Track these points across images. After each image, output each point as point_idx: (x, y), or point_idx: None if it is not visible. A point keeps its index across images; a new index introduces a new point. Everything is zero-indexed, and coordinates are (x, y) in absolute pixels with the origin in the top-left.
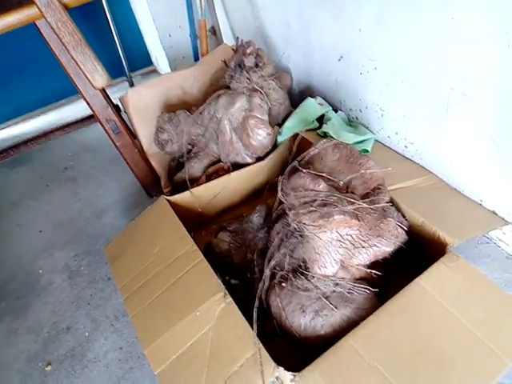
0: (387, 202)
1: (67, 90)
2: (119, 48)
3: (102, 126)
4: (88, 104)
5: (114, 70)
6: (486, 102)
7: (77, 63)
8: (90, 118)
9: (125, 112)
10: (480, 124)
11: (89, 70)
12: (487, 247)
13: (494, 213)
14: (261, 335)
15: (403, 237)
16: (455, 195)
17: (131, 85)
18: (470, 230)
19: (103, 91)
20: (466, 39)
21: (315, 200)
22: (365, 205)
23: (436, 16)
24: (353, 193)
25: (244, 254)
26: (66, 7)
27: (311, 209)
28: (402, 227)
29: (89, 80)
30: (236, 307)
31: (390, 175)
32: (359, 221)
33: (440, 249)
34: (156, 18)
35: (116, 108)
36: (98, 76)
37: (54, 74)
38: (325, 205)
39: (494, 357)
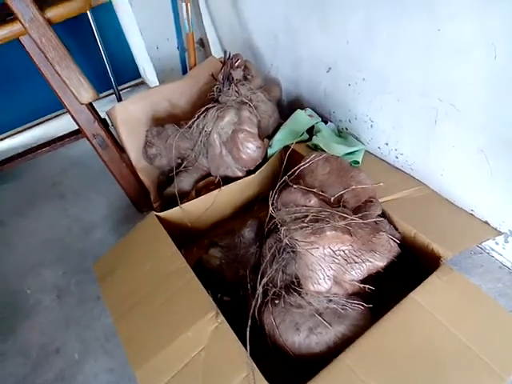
0: (379, 215)
1: (54, 105)
2: (106, 61)
3: (89, 141)
4: (74, 119)
5: (102, 84)
6: (474, 113)
7: (62, 78)
8: (78, 133)
9: (112, 126)
10: (469, 134)
11: (74, 85)
12: (480, 257)
13: (486, 223)
14: (254, 353)
15: (396, 250)
16: (447, 206)
17: (119, 98)
18: (463, 241)
19: (90, 105)
20: (453, 50)
21: (307, 216)
22: (357, 219)
23: (422, 27)
24: (344, 206)
25: (236, 270)
26: (50, 22)
27: (303, 225)
28: (394, 240)
29: (74, 95)
30: (228, 326)
31: (381, 186)
32: (351, 236)
33: (433, 261)
34: (143, 30)
35: (103, 122)
36: (84, 91)
37: (39, 89)
38: (316, 220)
39: (491, 372)
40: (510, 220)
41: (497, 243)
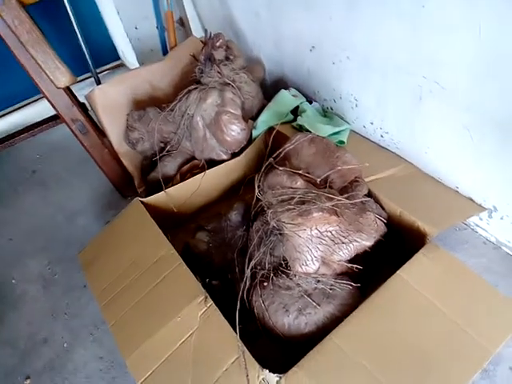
0: (366, 195)
1: (30, 90)
2: (82, 43)
3: (68, 126)
4: (51, 104)
5: (79, 67)
6: (459, 91)
7: (37, 62)
8: (57, 118)
9: (92, 110)
10: (453, 112)
11: (50, 69)
12: (465, 233)
13: (470, 199)
14: (244, 336)
15: (383, 229)
16: (432, 183)
17: (97, 81)
18: (448, 218)
19: (67, 90)
20: (438, 27)
21: (293, 197)
22: (343, 200)
23: (407, 2)
24: (331, 187)
25: (224, 254)
26: (22, 4)
27: (289, 207)
28: (381, 220)
29: (50, 79)
30: (217, 310)
31: (367, 166)
32: (338, 217)
33: (420, 238)
34: (120, 8)
35: (82, 107)
36: (60, 74)
37: (16, 73)
38: (303, 202)
39: (478, 345)
40: (494, 196)
41: (481, 219)
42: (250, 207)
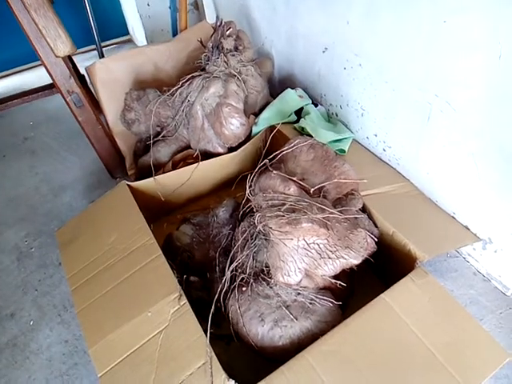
0: (360, 209)
1: (31, 55)
2: (90, 14)
3: (63, 97)
4: (49, 72)
5: (85, 37)
6: (470, 114)
7: (38, 28)
8: (54, 87)
9: (91, 84)
10: (461, 136)
11: (51, 36)
12: (456, 261)
13: (466, 227)
14: (216, 338)
15: (372, 248)
16: (429, 206)
17: (101, 54)
18: (440, 244)
19: (68, 59)
20: (457, 45)
21: (284, 204)
22: (336, 213)
23: (428, 16)
24: (325, 197)
25: (206, 251)
26: None
27: (279, 213)
28: (372, 237)
29: (50, 47)
30: (191, 310)
31: (364, 179)
32: (328, 230)
33: (409, 262)
34: None
35: (81, 79)
36: (61, 43)
37: (16, 36)
38: (293, 210)
39: (454, 382)
40: (491, 228)
41: (474, 249)
42: (239, 206)
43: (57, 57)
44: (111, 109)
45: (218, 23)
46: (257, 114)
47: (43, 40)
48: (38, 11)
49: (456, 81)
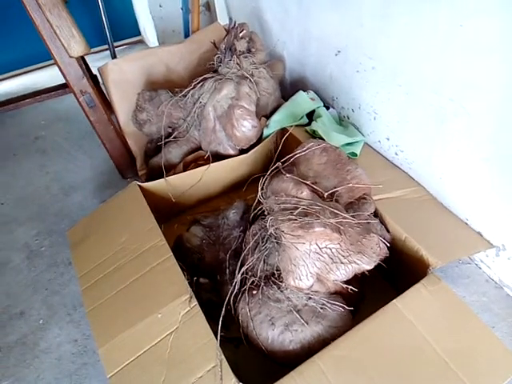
0: (372, 214)
1: (44, 54)
2: (103, 14)
3: (76, 97)
4: (62, 72)
5: (98, 37)
6: (485, 119)
7: (52, 27)
8: (66, 87)
9: (103, 84)
10: (475, 141)
11: (65, 36)
12: (468, 268)
13: (479, 234)
14: (225, 341)
15: (384, 253)
16: (441, 211)
17: (113, 55)
18: (453, 251)
19: (81, 59)
20: (474, 49)
21: (296, 207)
22: (349, 218)
23: (444, 20)
24: (337, 201)
25: (216, 253)
26: None
27: (291, 217)
28: (384, 242)
29: (64, 47)
30: (201, 313)
31: (376, 183)
32: (341, 234)
33: (421, 267)
34: None
35: (94, 79)
36: (75, 43)
37: (30, 35)
38: (306, 214)
39: None
40: (505, 234)
41: (487, 256)
42: (250, 208)
43: (71, 57)
44: (123, 109)
45: (232, 25)
46: (268, 117)
47: (57, 40)
48: (52, 11)
49: (471, 85)
